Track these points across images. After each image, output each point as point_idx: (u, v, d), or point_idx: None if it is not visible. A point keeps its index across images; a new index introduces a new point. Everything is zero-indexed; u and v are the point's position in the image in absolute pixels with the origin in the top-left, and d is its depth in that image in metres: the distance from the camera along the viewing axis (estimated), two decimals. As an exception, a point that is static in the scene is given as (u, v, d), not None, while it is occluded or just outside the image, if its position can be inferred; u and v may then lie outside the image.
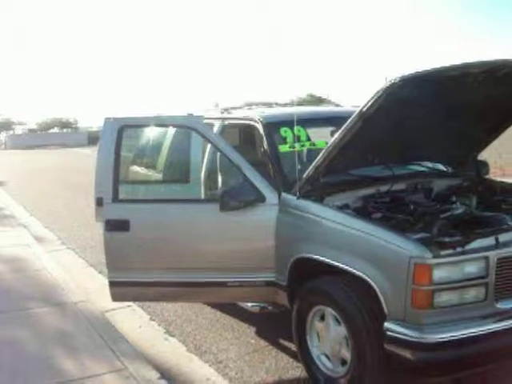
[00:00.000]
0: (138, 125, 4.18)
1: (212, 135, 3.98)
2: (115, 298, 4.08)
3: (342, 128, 3.41)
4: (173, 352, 4.22)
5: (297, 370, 3.82)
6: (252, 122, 4.34)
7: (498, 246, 3.14)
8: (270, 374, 3.84)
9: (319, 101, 36.65)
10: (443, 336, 2.98)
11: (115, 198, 3.95)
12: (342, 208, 3.67)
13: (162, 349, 4.28)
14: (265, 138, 4.16)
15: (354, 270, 3.26)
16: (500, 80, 3.51)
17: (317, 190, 3.72)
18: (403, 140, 4.04)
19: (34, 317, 4.69)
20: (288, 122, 4.24)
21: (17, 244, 7.44)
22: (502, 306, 3.13)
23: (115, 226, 3.90)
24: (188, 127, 4.03)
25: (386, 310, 3.11)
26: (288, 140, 4.17)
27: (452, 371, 3.10)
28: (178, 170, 4.37)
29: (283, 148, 4.12)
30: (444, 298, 3.00)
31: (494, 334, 3.06)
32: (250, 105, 5.25)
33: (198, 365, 4.01)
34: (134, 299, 4.23)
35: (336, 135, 3.47)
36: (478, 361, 3.11)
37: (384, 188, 4.00)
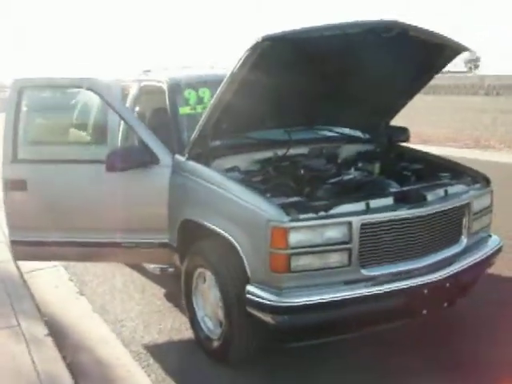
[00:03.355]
0: (37, 86, 4.15)
1: (108, 97, 3.93)
2: (17, 256, 4.14)
3: (218, 90, 3.36)
4: (77, 311, 4.29)
5: (189, 332, 3.85)
6: (159, 84, 4.29)
7: (367, 211, 3.12)
8: (162, 334, 3.90)
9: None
10: (302, 300, 2.98)
11: (14, 158, 3.96)
12: (229, 171, 3.65)
13: (69, 308, 4.35)
14: (167, 99, 4.12)
15: (224, 233, 3.26)
16: (395, 41, 3.43)
17: (207, 152, 3.69)
18: (306, 104, 3.98)
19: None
20: (194, 84, 4.22)
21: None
22: (367, 272, 3.12)
23: (13, 186, 3.92)
24: (85, 88, 4.00)
25: (249, 274, 3.12)
26: (190, 102, 4.13)
27: (313, 336, 3.11)
28: (81, 131, 4.36)
29: (183, 110, 4.07)
30: (302, 262, 2.99)
31: (357, 300, 3.06)
32: (185, 67, 5.17)
33: (96, 323, 4.08)
34: (35, 258, 4.27)
35: (214, 97, 3.43)
36: (340, 327, 3.12)
37: (282, 152, 3.97)
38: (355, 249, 3.05)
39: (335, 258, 3.05)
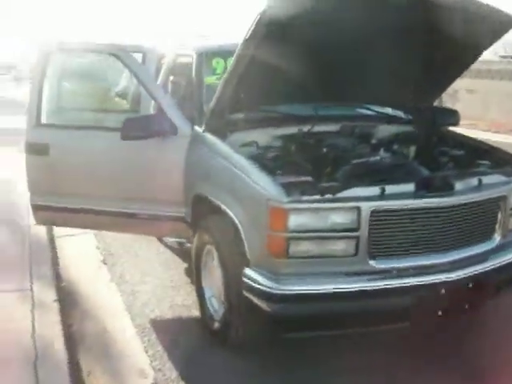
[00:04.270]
0: (64, 50, 4.10)
1: (133, 64, 3.81)
2: (37, 221, 4.15)
3: (233, 59, 3.15)
4: (96, 280, 4.27)
5: (198, 310, 3.73)
6: (188, 52, 4.14)
7: (380, 197, 2.83)
8: (172, 310, 3.80)
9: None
10: (300, 289, 2.77)
11: (38, 122, 3.95)
12: (246, 145, 3.44)
13: (89, 276, 4.35)
14: (194, 69, 3.96)
15: (227, 210, 3.08)
16: (434, 11, 3.10)
17: (224, 125, 3.50)
18: (341, 79, 3.70)
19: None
20: (223, 53, 4.02)
21: None
22: (376, 264, 2.84)
23: (35, 150, 3.91)
24: (111, 54, 3.89)
25: (248, 256, 2.93)
26: (218, 71, 3.95)
27: (311, 329, 2.87)
28: (104, 98, 4.29)
29: (209, 79, 3.90)
30: (303, 247, 2.77)
31: (362, 294, 2.80)
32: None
33: (111, 293, 4.04)
34: (53, 223, 4.29)
35: (228, 66, 3.23)
36: (342, 322, 2.85)
37: (308, 128, 3.70)
38: (364, 237, 2.78)
39: (340, 246, 2.79)
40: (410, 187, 2.93)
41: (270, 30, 2.92)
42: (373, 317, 2.83)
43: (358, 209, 2.75)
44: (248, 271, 2.89)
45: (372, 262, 2.83)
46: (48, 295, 3.72)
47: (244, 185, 2.97)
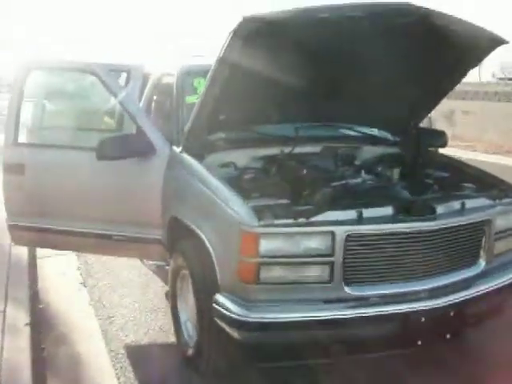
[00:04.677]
0: (43, 67, 4.03)
1: (111, 83, 3.74)
2: (14, 241, 4.06)
3: (207, 78, 3.07)
4: (73, 302, 4.16)
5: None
6: (172, 72, 4.07)
7: (356, 221, 2.72)
8: (148, 335, 3.68)
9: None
10: (271, 316, 2.64)
11: (14, 141, 3.87)
12: (224, 166, 3.35)
13: (67, 298, 4.24)
14: (174, 88, 3.89)
15: (200, 233, 2.97)
16: (420, 29, 3.01)
17: (202, 145, 3.41)
18: (324, 98, 3.61)
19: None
20: (205, 73, 3.95)
21: None
22: (352, 291, 2.72)
23: (11, 169, 3.83)
24: (89, 72, 3.83)
25: (219, 281, 2.81)
26: (199, 91, 3.87)
27: (284, 358, 2.75)
28: (87, 117, 4.21)
29: (190, 99, 3.82)
30: (274, 273, 2.65)
31: (337, 322, 2.68)
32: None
33: (87, 317, 3.93)
34: (31, 244, 4.20)
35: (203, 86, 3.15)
36: (316, 351, 2.72)
37: (289, 149, 3.61)
38: (338, 263, 2.67)
39: (314, 272, 2.68)
40: (388, 211, 2.83)
41: (245, 48, 2.84)
42: (348, 346, 2.71)
43: (333, 233, 2.64)
44: (219, 297, 2.77)
45: (347, 289, 2.71)
46: (21, 318, 3.61)
47: (216, 207, 2.87)
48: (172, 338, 3.54)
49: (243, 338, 2.69)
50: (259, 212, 2.64)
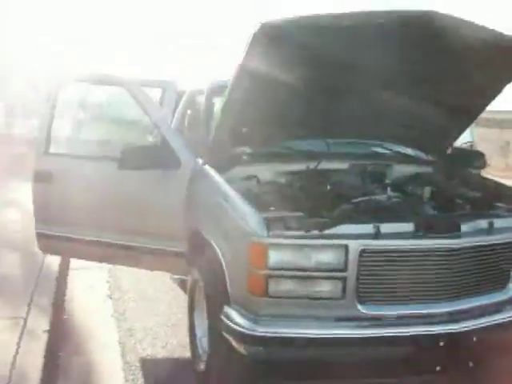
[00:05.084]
0: (76, 81, 4.12)
1: (140, 96, 3.78)
2: (41, 249, 4.11)
3: (228, 87, 3.04)
4: (97, 314, 4.18)
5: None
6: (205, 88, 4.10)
7: (373, 235, 2.59)
8: (165, 349, 3.63)
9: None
10: (279, 331, 2.54)
11: (45, 151, 3.96)
12: (246, 180, 3.30)
13: (92, 309, 4.26)
14: (204, 101, 3.90)
15: (214, 245, 2.91)
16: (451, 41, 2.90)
17: (227, 158, 3.38)
18: (356, 114, 3.52)
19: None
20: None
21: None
22: (366, 310, 2.58)
23: (40, 178, 3.91)
24: (120, 86, 3.88)
25: (229, 294, 2.73)
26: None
27: (292, 376, 2.61)
28: (112, 129, 4.26)
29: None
30: (284, 287, 2.55)
31: (349, 342, 2.55)
32: None
33: (108, 329, 3.93)
34: (57, 253, 4.25)
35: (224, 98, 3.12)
36: (326, 371, 2.58)
37: (317, 164, 3.51)
38: (352, 279, 2.54)
39: (326, 288, 2.56)
40: (409, 227, 2.67)
41: (266, 55, 2.79)
42: (362, 368, 2.56)
43: (346, 247, 2.52)
44: (227, 310, 2.68)
45: (361, 307, 2.57)
46: (40, 325, 3.62)
47: (230, 219, 2.80)
48: (188, 354, 3.46)
49: (248, 352, 2.59)
50: (270, 223, 2.56)
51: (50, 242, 3.98)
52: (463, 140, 5.47)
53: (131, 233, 3.71)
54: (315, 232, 2.54)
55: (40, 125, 3.94)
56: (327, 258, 2.54)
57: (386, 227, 2.63)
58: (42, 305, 3.98)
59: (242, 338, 2.58)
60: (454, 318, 2.64)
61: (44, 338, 3.46)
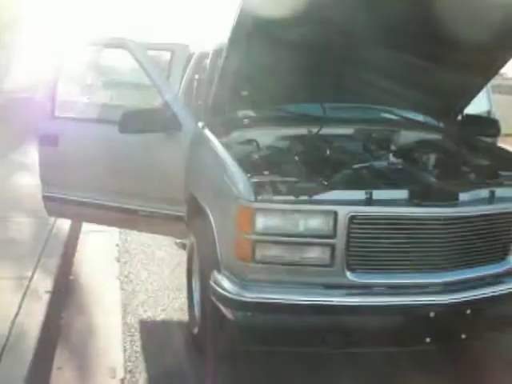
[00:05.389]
0: (78, 44, 4.07)
1: (142, 57, 3.72)
2: (48, 212, 4.15)
3: (225, 47, 2.96)
4: (103, 276, 4.23)
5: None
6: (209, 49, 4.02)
7: (364, 202, 2.52)
8: (165, 312, 3.66)
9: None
10: (265, 297, 2.50)
11: (52, 114, 3.96)
12: (244, 144, 3.24)
13: (99, 271, 4.32)
14: (208, 65, 3.82)
15: (207, 209, 2.88)
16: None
17: (226, 122, 3.32)
18: (361, 77, 3.40)
19: (8, 222, 4.96)
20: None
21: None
22: (355, 278, 2.52)
23: (46, 141, 3.93)
24: (122, 48, 3.83)
25: (219, 258, 2.71)
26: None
27: (278, 342, 2.58)
28: (117, 92, 4.22)
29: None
30: (271, 252, 2.50)
31: (335, 310, 2.50)
32: None
33: (112, 290, 3.98)
34: (63, 216, 4.28)
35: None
36: (313, 338, 2.55)
37: (318, 129, 3.42)
38: (340, 246, 2.48)
39: (314, 254, 2.51)
40: (403, 194, 2.60)
41: (261, 15, 2.69)
42: (346, 337, 2.52)
43: (335, 213, 2.46)
44: (216, 275, 2.66)
45: (350, 275, 2.51)
46: (44, 286, 3.68)
47: (221, 183, 2.76)
48: (187, 317, 3.49)
49: (236, 317, 2.57)
50: (258, 187, 2.51)
51: (56, 205, 4.01)
52: (482, 109, 5.26)
53: (134, 196, 3.71)
54: (304, 197, 2.49)
55: (45, 88, 3.93)
56: (315, 224, 2.48)
57: (378, 194, 2.55)
58: (48, 266, 4.04)
59: (229, 302, 2.56)
60: (448, 288, 2.56)
61: (46, 298, 3.52)
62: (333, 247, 2.48)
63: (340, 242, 2.48)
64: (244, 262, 2.54)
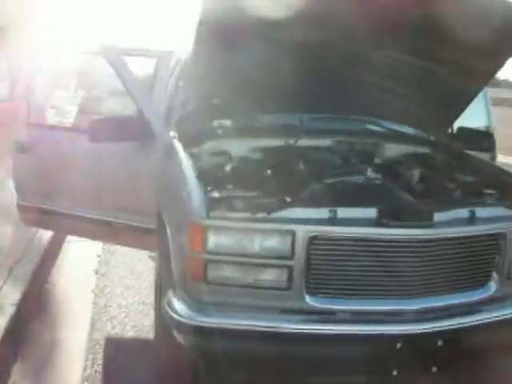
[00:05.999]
0: (55, 52, 3.94)
1: (118, 64, 3.57)
2: (23, 221, 4.04)
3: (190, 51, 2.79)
4: (78, 288, 4.08)
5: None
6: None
7: (326, 221, 2.32)
8: (135, 329, 3.49)
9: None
10: (215, 321, 2.30)
11: (26, 121, 3.86)
12: (215, 155, 3.05)
13: (75, 283, 4.17)
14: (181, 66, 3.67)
15: (167, 226, 2.71)
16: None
17: (195, 132, 3.14)
18: (345, 86, 3.23)
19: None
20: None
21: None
22: (315, 302, 2.31)
23: (19, 148, 3.81)
24: (96, 52, 3.68)
25: (174, 276, 2.53)
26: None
27: (233, 370, 2.38)
28: (91, 100, 4.06)
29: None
30: (223, 273, 2.32)
31: (292, 337, 2.29)
32: None
33: (84, 304, 3.82)
34: (35, 225, 4.17)
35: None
36: (268, 367, 2.35)
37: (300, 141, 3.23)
38: (299, 268, 2.28)
39: (270, 276, 2.31)
40: (372, 213, 2.39)
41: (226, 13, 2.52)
42: (303, 365, 2.31)
43: (293, 233, 2.27)
44: (170, 295, 2.48)
45: (310, 300, 2.31)
46: (11, 298, 3.55)
47: (178, 197, 2.58)
48: (155, 336, 3.33)
49: (185, 341, 2.39)
50: (213, 203, 2.33)
51: (29, 214, 3.90)
52: (481, 123, 5.00)
53: (106, 208, 3.58)
54: (261, 215, 2.30)
55: (22, 96, 3.83)
56: (271, 243, 2.29)
57: (343, 212, 2.35)
58: (20, 277, 3.92)
59: (179, 326, 2.37)
60: (419, 317, 2.35)
61: (11, 311, 3.38)
62: (290, 269, 2.29)
63: (298, 263, 2.28)
64: (196, 282, 2.35)
